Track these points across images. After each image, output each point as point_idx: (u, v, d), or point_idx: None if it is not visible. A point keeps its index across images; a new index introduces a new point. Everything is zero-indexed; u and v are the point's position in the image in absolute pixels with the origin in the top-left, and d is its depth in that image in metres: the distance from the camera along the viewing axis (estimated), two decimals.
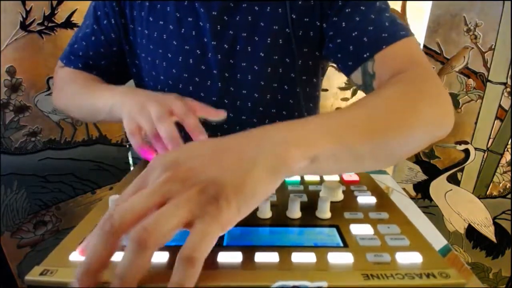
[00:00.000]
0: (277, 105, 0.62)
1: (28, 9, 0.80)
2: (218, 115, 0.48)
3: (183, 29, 0.58)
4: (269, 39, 0.56)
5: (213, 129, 0.62)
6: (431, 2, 1.00)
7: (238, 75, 0.58)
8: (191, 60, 0.58)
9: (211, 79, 0.59)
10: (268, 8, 0.55)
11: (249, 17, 0.56)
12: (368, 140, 0.32)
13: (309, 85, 0.63)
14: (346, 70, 0.54)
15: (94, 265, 0.23)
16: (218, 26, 0.56)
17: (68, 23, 0.87)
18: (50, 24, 0.84)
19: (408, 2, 1.04)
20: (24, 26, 0.80)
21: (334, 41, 0.53)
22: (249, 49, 0.57)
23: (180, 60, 0.59)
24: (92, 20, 0.62)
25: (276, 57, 0.57)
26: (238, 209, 0.25)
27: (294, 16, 0.55)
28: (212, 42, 0.57)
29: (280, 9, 0.55)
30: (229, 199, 0.24)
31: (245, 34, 0.56)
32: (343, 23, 0.51)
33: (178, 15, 0.57)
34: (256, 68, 0.58)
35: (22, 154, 0.86)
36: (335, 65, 0.91)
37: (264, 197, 0.27)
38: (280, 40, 0.56)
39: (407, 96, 0.39)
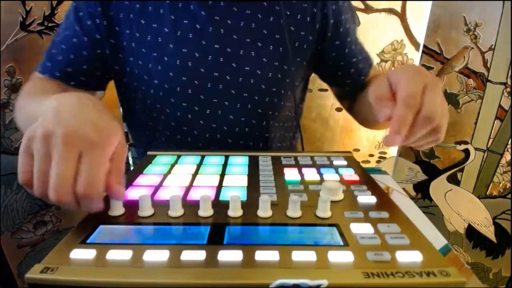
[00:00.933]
0: (275, 107, 0.64)
1: (28, 9, 0.80)
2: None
3: (179, 32, 0.57)
4: (271, 46, 0.59)
5: (212, 130, 0.62)
6: (431, 2, 1.00)
7: (240, 78, 0.59)
8: (189, 63, 0.58)
9: (211, 82, 0.59)
10: (271, 18, 0.58)
11: (253, 24, 0.58)
12: None
13: (297, 89, 0.68)
14: (338, 82, 0.70)
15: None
16: (222, 30, 0.57)
17: None
18: (50, 24, 0.84)
19: (408, 2, 1.04)
20: (24, 26, 0.81)
21: (338, 62, 0.65)
22: (253, 54, 0.59)
23: (178, 63, 0.58)
24: (73, 22, 0.57)
25: (277, 64, 0.60)
26: None
27: (292, 28, 0.59)
28: (215, 45, 0.57)
29: (281, 20, 0.58)
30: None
31: (249, 40, 0.58)
32: (346, 49, 0.64)
33: (173, 18, 0.57)
34: (259, 72, 0.59)
35: None
36: None
37: None
38: (281, 48, 0.59)
39: None
